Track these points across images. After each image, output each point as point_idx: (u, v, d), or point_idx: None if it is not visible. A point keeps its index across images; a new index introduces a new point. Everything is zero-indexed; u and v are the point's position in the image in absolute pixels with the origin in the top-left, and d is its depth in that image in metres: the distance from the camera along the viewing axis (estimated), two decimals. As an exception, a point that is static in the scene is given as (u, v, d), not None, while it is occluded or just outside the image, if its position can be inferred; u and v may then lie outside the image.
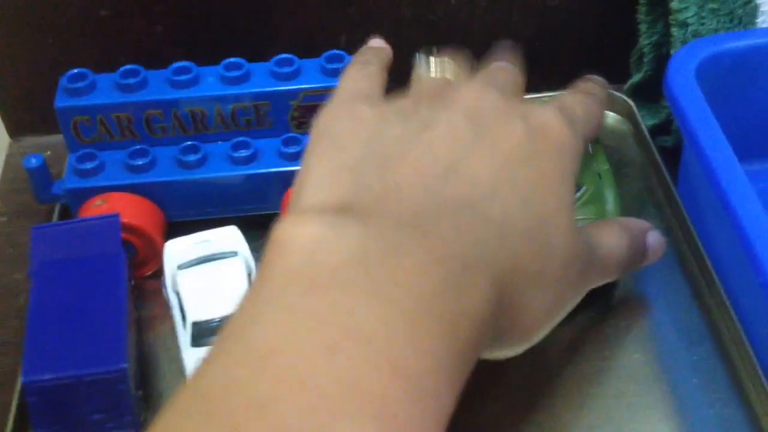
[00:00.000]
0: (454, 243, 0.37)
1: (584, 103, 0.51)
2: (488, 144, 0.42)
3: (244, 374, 0.31)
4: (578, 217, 0.55)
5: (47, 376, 0.45)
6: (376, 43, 0.56)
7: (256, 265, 0.57)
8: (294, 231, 0.36)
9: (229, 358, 0.33)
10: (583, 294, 0.47)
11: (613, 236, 0.49)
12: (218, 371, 0.32)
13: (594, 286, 0.48)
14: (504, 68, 0.50)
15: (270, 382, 0.31)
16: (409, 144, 0.42)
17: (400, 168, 0.41)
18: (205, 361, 0.33)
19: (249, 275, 0.55)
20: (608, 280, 0.49)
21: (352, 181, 0.41)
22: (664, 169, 0.65)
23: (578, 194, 0.56)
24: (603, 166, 0.59)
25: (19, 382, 0.53)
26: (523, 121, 0.44)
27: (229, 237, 0.58)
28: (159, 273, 0.59)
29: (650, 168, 0.66)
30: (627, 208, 0.65)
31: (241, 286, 0.54)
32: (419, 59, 0.51)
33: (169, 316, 0.57)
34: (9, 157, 0.71)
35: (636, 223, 0.52)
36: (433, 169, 0.41)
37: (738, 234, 0.51)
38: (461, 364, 0.35)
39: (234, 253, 0.56)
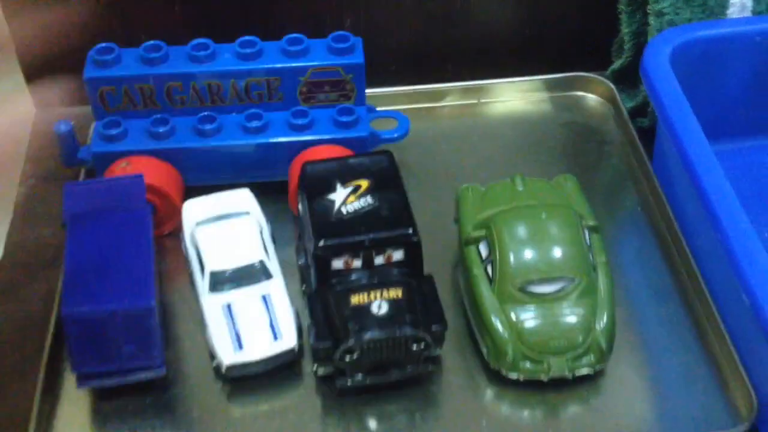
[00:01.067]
0: None
1: None
2: None
3: None
4: (573, 308, 0.55)
5: (85, 309, 0.51)
6: None
7: (267, 225, 0.62)
8: None
9: None
10: None
11: None
12: None
13: None
14: None
15: None
16: None
17: None
18: None
19: (260, 232, 0.61)
20: None
21: None
22: (640, 146, 0.70)
23: (572, 286, 0.55)
24: (600, 258, 0.58)
25: (52, 324, 0.59)
26: None
27: (242, 198, 0.63)
28: (176, 232, 0.64)
29: (629, 146, 0.72)
30: (607, 183, 0.71)
31: (253, 241, 0.60)
32: None
33: (185, 270, 0.63)
34: (35, 126, 0.76)
35: None
36: None
37: (704, 204, 0.56)
38: None
39: (247, 213, 0.62)
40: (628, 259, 0.64)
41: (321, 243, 0.55)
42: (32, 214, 0.69)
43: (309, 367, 0.58)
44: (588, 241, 0.58)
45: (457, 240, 0.62)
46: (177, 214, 0.64)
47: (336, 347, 0.53)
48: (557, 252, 0.56)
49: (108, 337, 0.52)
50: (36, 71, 0.75)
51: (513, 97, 0.77)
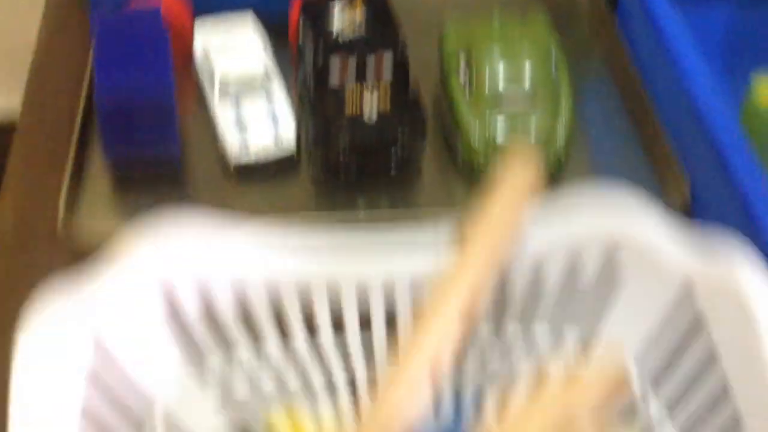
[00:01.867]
0: None
1: None
2: None
3: None
4: (537, 112, 0.63)
5: (114, 85, 0.59)
6: None
7: (269, 45, 0.70)
8: None
9: None
10: None
11: None
12: None
13: None
14: None
15: None
16: None
17: None
18: None
19: (264, 48, 0.69)
20: None
21: None
22: (606, 14, 0.79)
23: (537, 95, 0.64)
24: (563, 77, 0.66)
25: (80, 114, 0.66)
26: None
27: (247, 19, 0.71)
28: (186, 63, 0.72)
29: (595, 15, 0.80)
30: (578, 47, 0.78)
31: (259, 53, 0.68)
32: None
33: (196, 95, 0.70)
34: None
35: None
36: None
37: (660, 36, 0.65)
38: None
39: (252, 31, 0.70)
40: (589, 90, 0.73)
41: (321, 56, 0.62)
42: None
43: (306, 173, 0.66)
44: (554, 64, 0.66)
45: (438, 69, 0.69)
46: (188, 45, 0.71)
47: (332, 147, 0.62)
48: (526, 67, 0.65)
49: (133, 113, 0.60)
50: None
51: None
